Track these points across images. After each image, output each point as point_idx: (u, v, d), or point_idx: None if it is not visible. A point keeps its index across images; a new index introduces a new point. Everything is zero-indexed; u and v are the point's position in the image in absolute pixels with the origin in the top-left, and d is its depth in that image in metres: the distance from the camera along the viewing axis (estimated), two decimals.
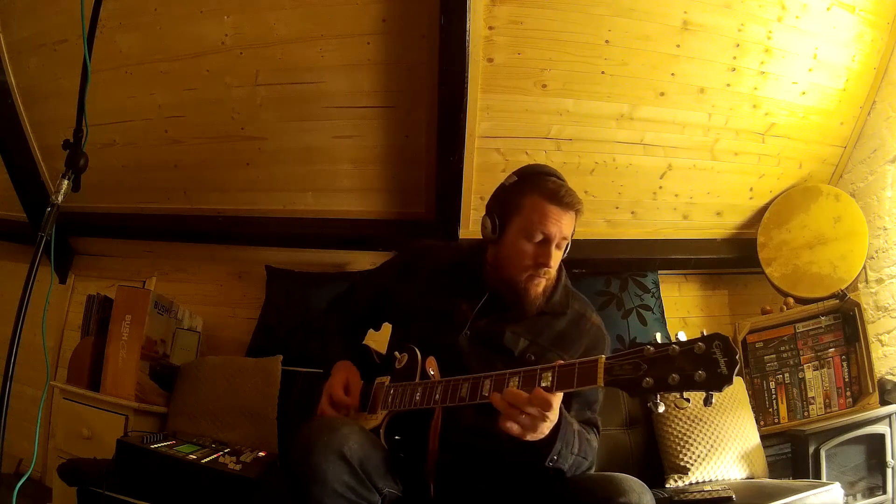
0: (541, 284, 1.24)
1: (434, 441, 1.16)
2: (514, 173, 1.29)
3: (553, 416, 0.97)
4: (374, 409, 1.25)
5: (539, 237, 1.21)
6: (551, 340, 1.16)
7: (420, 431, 1.18)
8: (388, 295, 1.41)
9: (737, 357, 0.81)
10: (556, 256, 1.23)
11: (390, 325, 1.44)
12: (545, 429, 0.98)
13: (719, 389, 0.82)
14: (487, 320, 1.26)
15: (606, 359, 0.93)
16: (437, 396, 1.13)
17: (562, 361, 0.99)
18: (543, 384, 0.96)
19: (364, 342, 1.49)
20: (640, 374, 0.88)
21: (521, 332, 1.24)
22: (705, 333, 0.85)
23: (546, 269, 1.22)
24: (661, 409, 0.89)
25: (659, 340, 0.89)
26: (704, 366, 0.82)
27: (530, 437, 0.97)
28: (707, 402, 0.84)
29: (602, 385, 0.92)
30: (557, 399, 0.97)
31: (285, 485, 1.07)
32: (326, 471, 0.97)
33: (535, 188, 1.23)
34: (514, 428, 0.96)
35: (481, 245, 1.33)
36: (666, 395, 0.88)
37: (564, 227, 1.21)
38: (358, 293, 1.50)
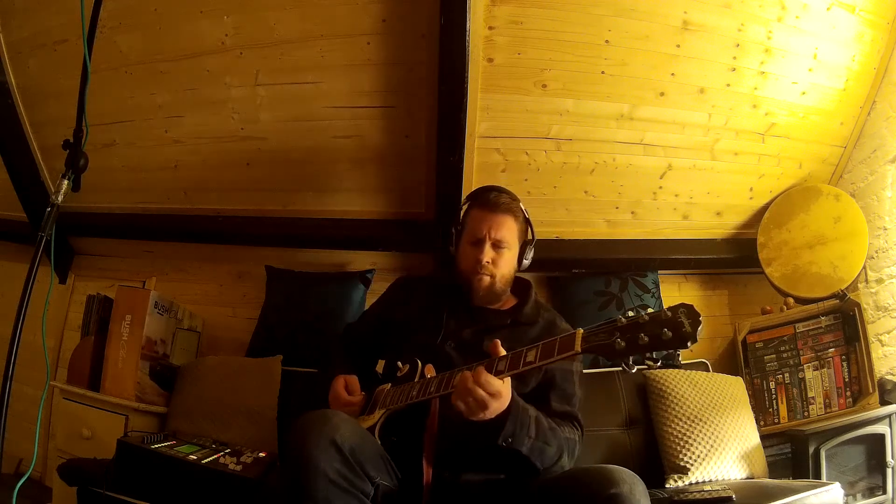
0: (483, 280, 1.44)
1: (433, 425, 1.21)
2: (466, 197, 1.56)
3: (497, 401, 1.07)
4: (372, 410, 1.28)
5: (474, 239, 1.45)
6: (527, 346, 1.21)
7: (416, 427, 1.22)
8: (387, 316, 1.55)
9: (699, 318, 0.90)
10: (491, 253, 1.43)
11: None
12: (489, 412, 1.08)
13: (685, 346, 0.91)
14: (470, 331, 1.41)
15: (584, 329, 1.03)
16: (433, 388, 1.19)
17: (543, 341, 1.10)
18: (528, 359, 1.08)
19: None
20: (613, 339, 0.97)
21: (499, 340, 1.31)
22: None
23: (480, 263, 1.42)
24: (634, 370, 0.99)
25: (631, 314, 0.99)
26: (671, 327, 0.92)
27: (480, 417, 1.08)
28: (673, 359, 0.94)
29: (579, 350, 1.01)
30: (505, 385, 1.09)
31: (281, 475, 1.09)
32: (318, 458, 0.99)
33: (473, 203, 1.51)
34: (460, 406, 1.08)
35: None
36: (637, 356, 0.97)
37: (494, 228, 1.43)
38: (358, 324, 1.68)
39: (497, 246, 1.44)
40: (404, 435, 1.22)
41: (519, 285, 1.56)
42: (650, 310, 0.97)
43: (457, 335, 1.40)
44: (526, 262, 1.52)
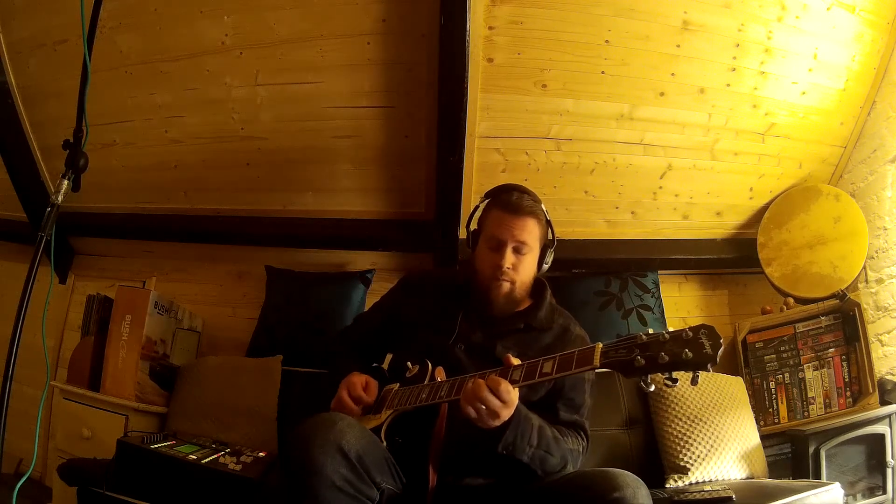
0: (503, 286, 1.35)
1: (440, 430, 1.20)
2: (485, 195, 1.45)
3: (508, 410, 1.07)
4: (378, 409, 1.27)
5: (495, 243, 1.35)
6: (539, 352, 1.22)
7: (422, 429, 1.21)
8: (394, 315, 1.50)
9: (720, 341, 0.91)
10: (512, 259, 1.34)
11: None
12: (499, 420, 1.08)
13: (705, 368, 0.91)
14: (481, 335, 1.37)
15: (603, 344, 1.03)
16: (443, 393, 1.17)
17: (561, 353, 1.09)
18: (545, 370, 1.07)
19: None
20: (633, 356, 0.97)
21: (511, 345, 1.32)
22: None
23: (501, 270, 1.33)
24: (652, 388, 0.98)
25: (651, 332, 0.99)
26: (691, 348, 0.92)
27: (489, 424, 1.08)
28: (694, 381, 0.93)
29: (598, 365, 1.00)
30: (513, 393, 1.08)
31: (283, 480, 1.08)
32: (325, 464, 0.98)
33: (493, 203, 1.40)
34: (470, 412, 1.07)
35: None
36: (656, 375, 0.97)
37: (517, 232, 1.34)
38: (365, 321, 1.60)
39: (518, 251, 1.35)
40: (410, 437, 1.22)
41: (534, 286, 1.47)
42: (671, 328, 0.97)
43: (467, 338, 1.36)
44: (545, 266, 1.44)
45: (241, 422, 1.88)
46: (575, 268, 2.28)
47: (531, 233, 1.36)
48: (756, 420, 1.95)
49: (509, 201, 1.36)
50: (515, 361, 1.12)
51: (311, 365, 1.99)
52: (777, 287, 2.19)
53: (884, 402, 1.88)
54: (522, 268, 1.36)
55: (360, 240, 2.27)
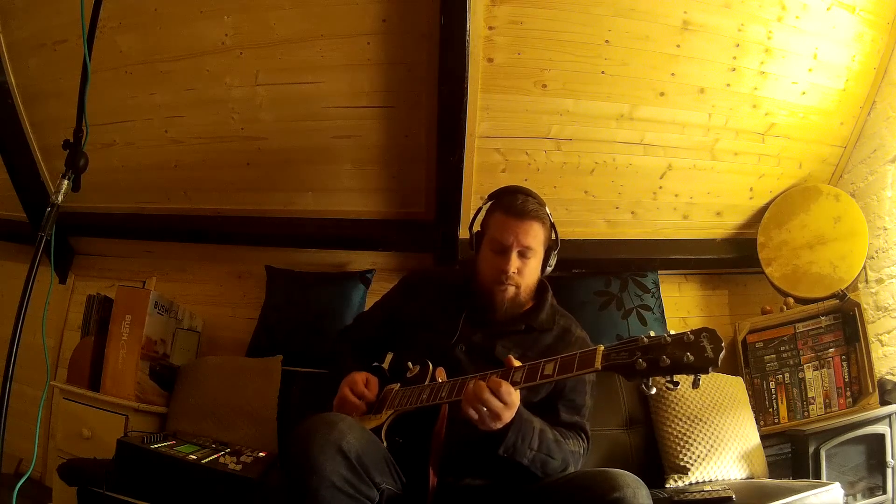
0: (507, 291, 1.35)
1: (441, 430, 1.20)
2: (488, 196, 1.45)
3: (510, 411, 1.08)
4: (379, 409, 1.27)
5: (499, 247, 1.34)
6: (539, 354, 1.23)
7: (423, 430, 1.21)
8: (394, 315, 1.50)
9: (722, 345, 0.91)
10: (517, 263, 1.34)
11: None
12: (501, 422, 1.08)
13: (706, 371, 0.91)
14: (481, 335, 1.37)
15: (605, 347, 1.03)
16: (444, 393, 1.18)
17: (563, 354, 1.09)
18: (546, 372, 1.07)
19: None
20: (634, 359, 0.97)
21: (511, 346, 1.32)
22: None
23: (506, 274, 1.33)
24: (653, 391, 0.98)
25: (652, 334, 0.99)
26: (693, 351, 0.92)
27: (491, 426, 1.08)
28: (695, 384, 0.93)
29: (599, 368, 1.01)
30: (514, 394, 1.08)
31: (283, 480, 1.08)
32: (324, 464, 0.98)
33: (497, 206, 1.39)
34: (472, 414, 1.07)
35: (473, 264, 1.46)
36: (657, 378, 0.96)
37: (522, 236, 1.33)
38: (365, 320, 1.60)
39: (523, 255, 1.34)
40: (410, 437, 1.22)
41: (535, 287, 1.45)
42: (672, 330, 0.97)
43: (468, 339, 1.36)
44: (549, 269, 1.43)
45: (241, 422, 1.88)
46: (575, 268, 2.28)
47: (536, 237, 1.35)
48: (756, 420, 1.95)
49: (514, 205, 1.35)
50: (516, 363, 1.12)
51: (311, 365, 1.99)
52: (777, 287, 2.19)
53: (884, 402, 1.89)
54: (527, 272, 1.36)
55: (360, 240, 2.27)
